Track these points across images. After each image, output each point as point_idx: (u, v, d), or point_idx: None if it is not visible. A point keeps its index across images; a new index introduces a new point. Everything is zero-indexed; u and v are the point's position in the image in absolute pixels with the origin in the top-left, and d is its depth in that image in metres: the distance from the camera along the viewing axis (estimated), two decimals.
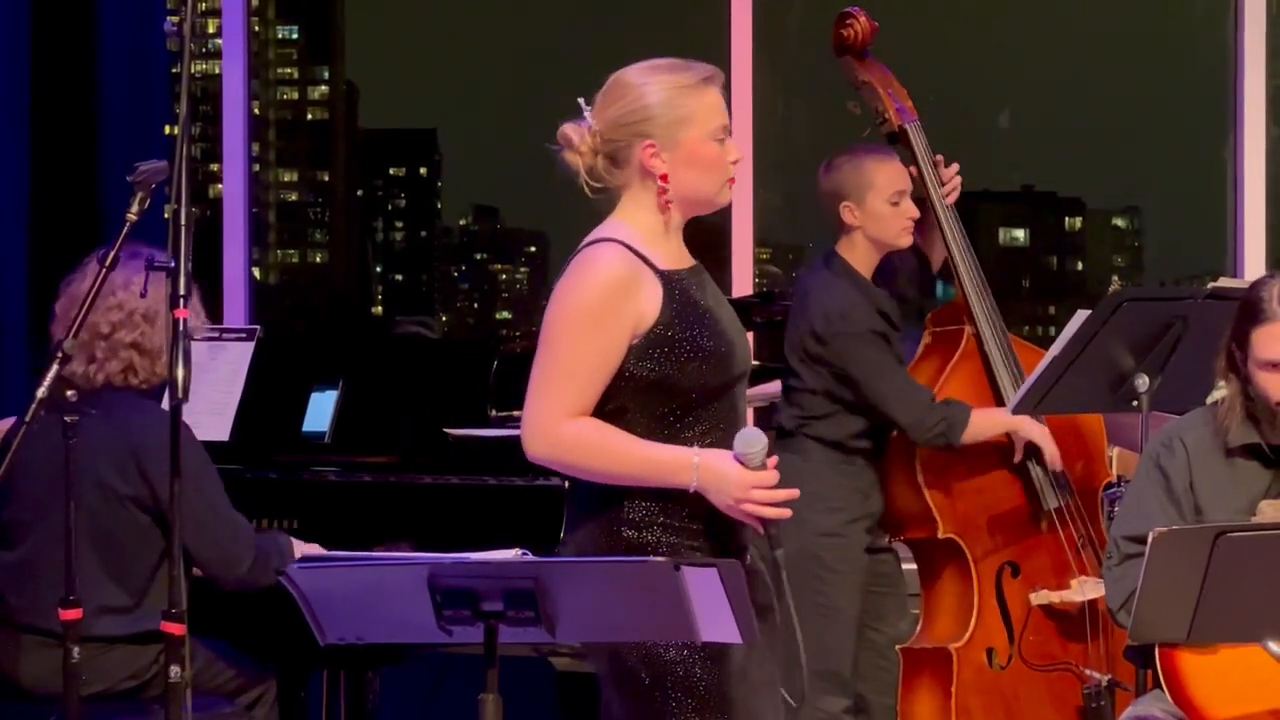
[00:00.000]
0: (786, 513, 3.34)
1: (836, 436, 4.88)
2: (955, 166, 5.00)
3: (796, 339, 4.92)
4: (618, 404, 3.35)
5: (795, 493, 3.34)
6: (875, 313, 4.89)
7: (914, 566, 5.08)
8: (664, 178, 3.37)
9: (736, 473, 3.30)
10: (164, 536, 4.17)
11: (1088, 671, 4.88)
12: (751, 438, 3.30)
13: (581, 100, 3.43)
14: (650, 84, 3.38)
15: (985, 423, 4.82)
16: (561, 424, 3.31)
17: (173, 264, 3.43)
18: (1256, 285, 3.91)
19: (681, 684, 3.32)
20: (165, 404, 4.17)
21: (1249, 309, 3.88)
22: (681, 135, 3.37)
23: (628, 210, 3.42)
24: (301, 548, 4.43)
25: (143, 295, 4.00)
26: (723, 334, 3.39)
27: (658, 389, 3.34)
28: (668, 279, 3.37)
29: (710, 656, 3.32)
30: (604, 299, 3.32)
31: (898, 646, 4.93)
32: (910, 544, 5.03)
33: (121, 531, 4.17)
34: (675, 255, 3.43)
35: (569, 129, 3.42)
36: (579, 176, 3.42)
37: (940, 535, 4.87)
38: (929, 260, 5.11)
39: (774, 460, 3.31)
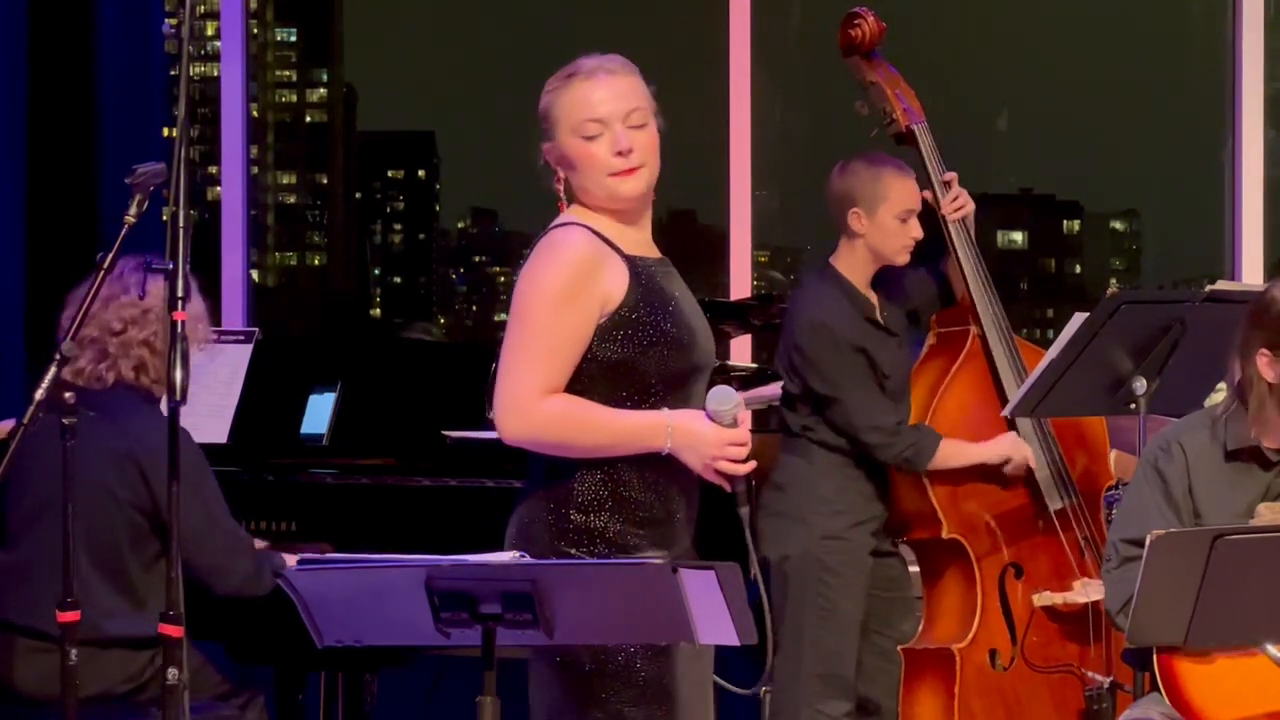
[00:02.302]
0: (753, 465, 3.35)
1: (840, 440, 4.87)
2: (954, 177, 4.97)
3: (784, 349, 4.93)
4: (580, 386, 3.36)
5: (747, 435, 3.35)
6: (861, 322, 4.87)
7: (919, 569, 5.07)
8: (558, 179, 3.43)
9: (711, 431, 3.32)
10: (162, 541, 4.17)
11: (1090, 673, 4.88)
12: (723, 395, 3.32)
13: None
14: (543, 95, 3.44)
15: (953, 453, 4.81)
16: (538, 401, 3.32)
17: (171, 266, 3.43)
18: None
19: (622, 673, 3.34)
20: (163, 405, 4.18)
21: None
22: (555, 136, 3.42)
23: (582, 205, 3.45)
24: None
25: (141, 296, 4.01)
26: (685, 323, 3.41)
27: (620, 371, 3.36)
28: (633, 263, 3.39)
29: (654, 651, 3.34)
30: (574, 277, 3.34)
31: (899, 647, 4.92)
32: (914, 545, 5.02)
33: (117, 534, 4.17)
34: (640, 244, 3.45)
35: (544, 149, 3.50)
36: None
37: (944, 535, 4.86)
38: (949, 284, 5.07)
39: (746, 416, 3.34)
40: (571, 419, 3.33)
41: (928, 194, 4.96)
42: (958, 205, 4.96)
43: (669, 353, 3.37)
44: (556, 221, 3.43)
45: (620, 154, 3.37)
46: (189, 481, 4.04)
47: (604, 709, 3.35)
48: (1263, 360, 3.87)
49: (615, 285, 3.36)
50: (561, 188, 3.44)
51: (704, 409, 3.34)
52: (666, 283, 3.43)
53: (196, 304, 4.29)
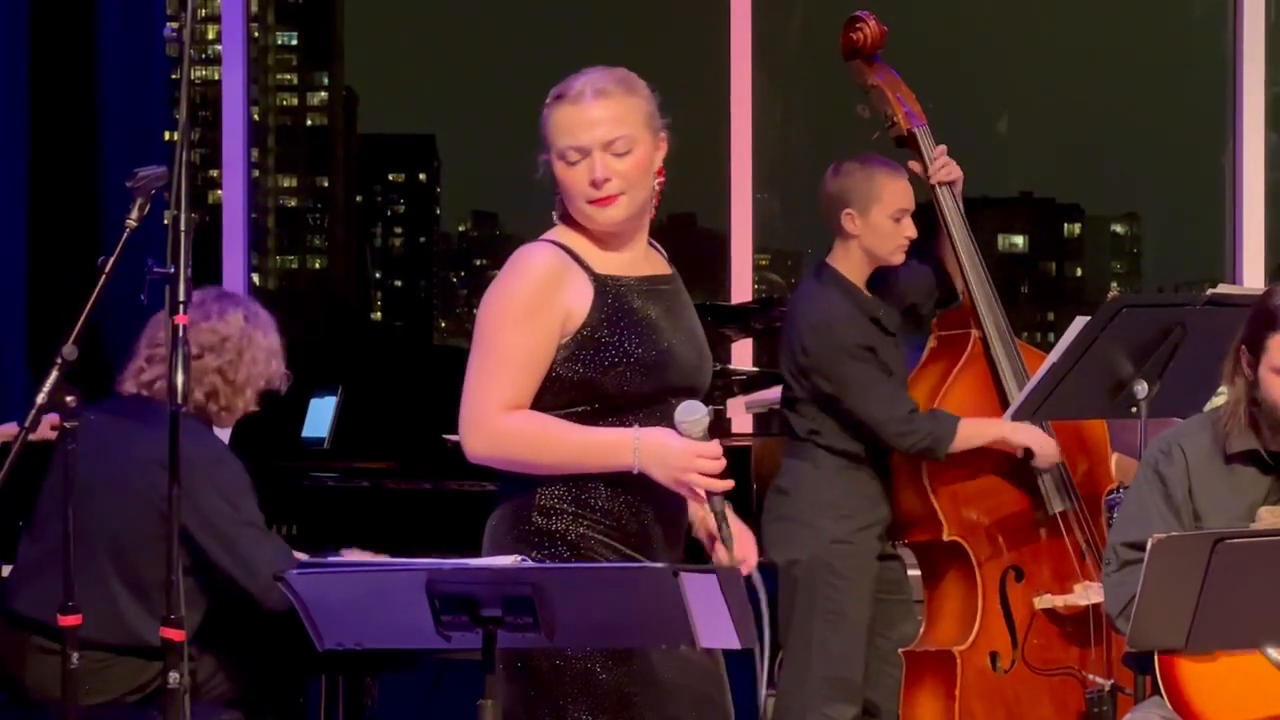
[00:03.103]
0: (729, 484, 3.30)
1: (846, 444, 4.87)
2: (944, 149, 4.98)
3: (788, 352, 4.93)
4: (542, 404, 3.34)
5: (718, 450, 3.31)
6: (865, 321, 4.88)
7: (919, 573, 5.07)
8: (557, 190, 3.42)
9: (680, 444, 3.28)
10: (191, 554, 4.11)
11: (1090, 676, 4.88)
12: (690, 408, 3.28)
13: None
14: (545, 103, 3.44)
15: (973, 432, 4.81)
16: (499, 417, 3.31)
17: (173, 270, 3.43)
18: (1276, 293, 3.90)
19: (579, 680, 3.31)
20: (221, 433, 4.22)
21: (1268, 316, 3.87)
22: (547, 156, 3.40)
23: (570, 220, 3.45)
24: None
25: (147, 304, 4.04)
26: (657, 343, 3.37)
27: (581, 390, 3.34)
28: (601, 282, 3.37)
29: (613, 658, 3.32)
30: (533, 292, 3.33)
31: (900, 650, 4.92)
32: (914, 547, 5.03)
33: (144, 543, 4.16)
34: (625, 262, 3.42)
35: None
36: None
37: (945, 538, 4.86)
38: (949, 279, 5.07)
39: (716, 442, 3.31)
40: (532, 435, 3.31)
41: (915, 165, 4.96)
42: (946, 171, 4.96)
43: (633, 374, 3.34)
44: (539, 238, 3.42)
45: (594, 184, 3.34)
46: (230, 493, 4.06)
47: (560, 716, 3.32)
48: (1244, 359, 3.90)
49: (577, 303, 3.34)
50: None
51: (675, 420, 3.28)
52: (644, 301, 3.39)
53: (274, 339, 4.31)
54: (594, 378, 3.33)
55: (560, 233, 3.42)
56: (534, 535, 3.34)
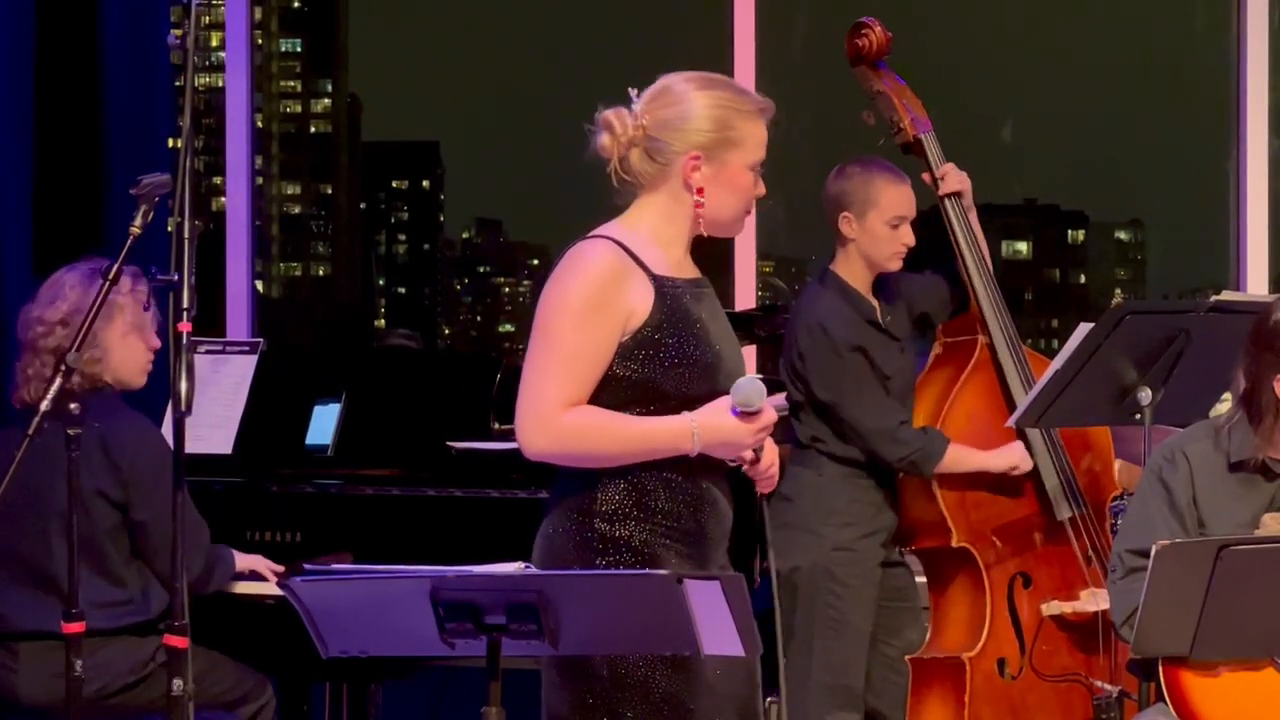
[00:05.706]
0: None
1: (848, 451, 4.87)
2: (951, 166, 4.98)
3: (785, 356, 4.93)
4: (600, 403, 3.36)
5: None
6: (860, 323, 4.87)
7: (925, 580, 5.07)
8: (700, 192, 3.41)
9: (739, 427, 3.35)
10: (131, 537, 4.25)
11: (1098, 683, 4.87)
12: (750, 393, 3.33)
13: (633, 90, 3.45)
14: (711, 99, 3.42)
15: (959, 459, 4.82)
16: (561, 414, 3.32)
17: (176, 277, 3.44)
18: (1277, 307, 3.88)
19: (639, 689, 3.33)
20: (168, 416, 4.21)
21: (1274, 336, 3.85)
22: (728, 156, 3.42)
23: (636, 213, 3.45)
24: (242, 561, 4.46)
25: (32, 300, 4.09)
26: (711, 345, 3.42)
27: (639, 390, 3.36)
28: (659, 283, 3.39)
29: (674, 666, 3.34)
30: (598, 289, 3.34)
31: (907, 657, 4.92)
32: (921, 554, 5.02)
33: (102, 530, 4.19)
34: (674, 264, 3.45)
35: (612, 114, 3.43)
36: (609, 163, 3.43)
37: (953, 544, 4.86)
38: (962, 287, 5.07)
39: (772, 401, 3.39)
40: (594, 430, 3.34)
41: (927, 175, 4.96)
42: (947, 182, 4.97)
43: (690, 375, 3.38)
44: (590, 234, 3.43)
45: (759, 198, 3.47)
46: (162, 481, 4.07)
47: None
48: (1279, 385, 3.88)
49: (639, 301, 3.36)
50: (652, 189, 3.43)
51: (730, 405, 3.35)
52: (694, 304, 3.43)
53: (123, 282, 4.28)
54: (654, 377, 3.36)
55: (615, 229, 3.43)
56: (598, 542, 3.36)
